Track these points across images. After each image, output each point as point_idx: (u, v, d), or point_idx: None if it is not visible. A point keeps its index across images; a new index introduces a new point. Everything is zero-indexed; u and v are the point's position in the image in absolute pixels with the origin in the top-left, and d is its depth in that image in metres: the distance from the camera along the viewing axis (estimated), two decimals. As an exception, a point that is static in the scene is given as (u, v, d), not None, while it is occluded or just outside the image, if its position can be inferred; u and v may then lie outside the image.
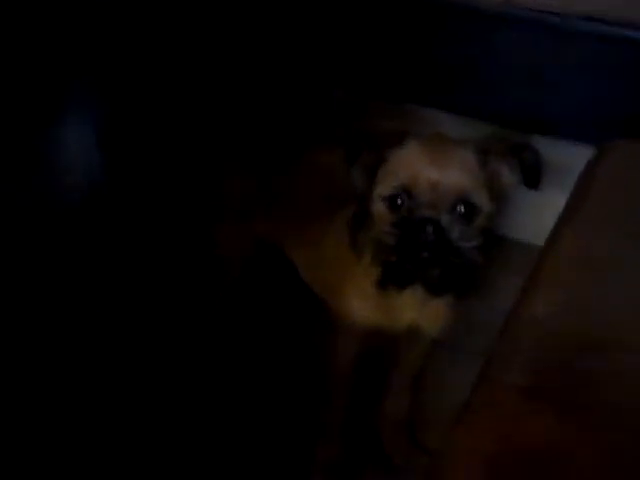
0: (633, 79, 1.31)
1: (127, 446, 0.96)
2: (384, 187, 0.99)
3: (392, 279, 1.01)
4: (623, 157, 1.04)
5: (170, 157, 1.05)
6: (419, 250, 0.96)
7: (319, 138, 1.28)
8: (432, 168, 0.96)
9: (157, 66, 1.01)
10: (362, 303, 1.11)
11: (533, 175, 1.00)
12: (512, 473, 0.64)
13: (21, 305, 0.89)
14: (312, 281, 1.28)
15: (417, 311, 1.11)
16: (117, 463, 0.95)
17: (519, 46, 1.37)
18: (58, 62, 0.87)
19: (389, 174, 1.00)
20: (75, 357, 0.94)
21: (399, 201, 0.98)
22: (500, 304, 0.98)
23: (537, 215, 1.32)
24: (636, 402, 0.69)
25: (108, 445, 0.95)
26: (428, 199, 0.96)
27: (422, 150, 0.98)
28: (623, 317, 0.79)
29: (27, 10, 0.84)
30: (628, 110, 1.30)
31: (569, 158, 1.23)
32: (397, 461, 1.25)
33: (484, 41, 1.37)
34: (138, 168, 0.98)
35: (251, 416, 1.19)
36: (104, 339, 0.97)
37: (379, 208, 1.00)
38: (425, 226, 0.95)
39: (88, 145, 0.90)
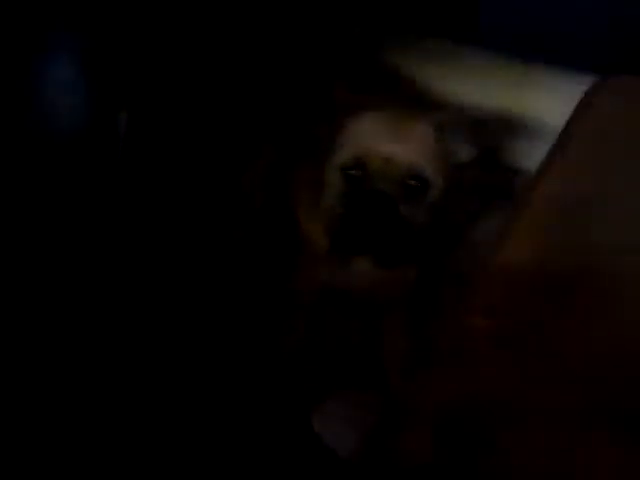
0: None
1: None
2: (338, 157, 1.00)
3: (341, 248, 1.01)
4: (619, 93, 0.97)
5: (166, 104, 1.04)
6: (367, 222, 0.96)
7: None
8: (386, 141, 0.96)
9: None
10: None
11: (489, 155, 1.02)
12: (466, 420, 0.64)
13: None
14: None
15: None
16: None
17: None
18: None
19: (345, 144, 1.00)
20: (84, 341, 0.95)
21: (353, 172, 0.98)
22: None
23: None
24: (603, 349, 0.68)
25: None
26: (380, 172, 0.96)
27: (378, 122, 0.99)
28: (600, 258, 0.77)
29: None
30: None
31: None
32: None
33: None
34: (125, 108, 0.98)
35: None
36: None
37: (333, 177, 1.00)
38: (375, 199, 0.95)
39: (71, 80, 0.91)
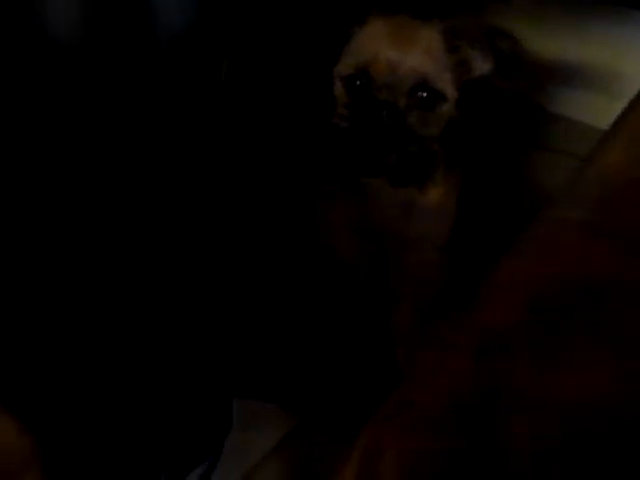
0: None
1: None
2: (343, 66, 0.93)
3: (348, 165, 0.94)
4: None
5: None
6: (372, 135, 0.89)
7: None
8: (392, 48, 0.90)
9: None
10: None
11: (508, 65, 0.92)
12: (556, 301, 0.60)
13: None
14: None
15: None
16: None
17: None
18: None
19: (350, 53, 0.93)
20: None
21: (357, 82, 0.91)
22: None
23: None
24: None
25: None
26: (386, 81, 0.89)
27: (384, 29, 0.92)
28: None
29: None
30: None
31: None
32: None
33: None
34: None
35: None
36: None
37: (338, 89, 0.94)
38: (381, 109, 0.88)
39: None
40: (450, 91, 0.92)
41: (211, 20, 0.90)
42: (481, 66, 0.93)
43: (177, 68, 0.88)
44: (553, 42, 1.17)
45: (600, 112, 1.15)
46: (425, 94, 0.90)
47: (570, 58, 1.19)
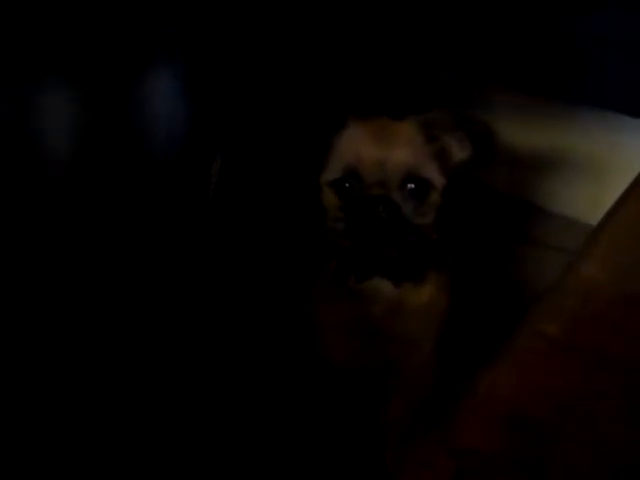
0: None
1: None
2: (330, 172, 0.95)
3: (349, 269, 0.94)
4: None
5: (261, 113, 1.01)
6: (371, 231, 0.90)
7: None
8: (377, 146, 0.91)
9: (245, 16, 0.99)
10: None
11: (484, 148, 0.94)
12: (531, 418, 0.61)
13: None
14: None
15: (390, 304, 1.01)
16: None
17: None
18: (145, 12, 0.86)
19: (334, 159, 0.95)
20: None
21: (347, 184, 0.93)
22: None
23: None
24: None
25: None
26: (376, 178, 0.90)
27: (365, 130, 0.93)
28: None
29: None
30: None
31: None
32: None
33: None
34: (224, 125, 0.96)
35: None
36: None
37: (327, 195, 0.95)
38: (375, 205, 0.89)
39: (173, 94, 0.89)
40: (437, 178, 0.93)
41: (199, 141, 0.93)
42: (459, 152, 0.95)
43: (166, 185, 0.90)
44: (535, 138, 1.20)
45: (584, 206, 1.18)
46: (414, 185, 0.91)
47: (554, 153, 1.22)
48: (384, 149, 0.91)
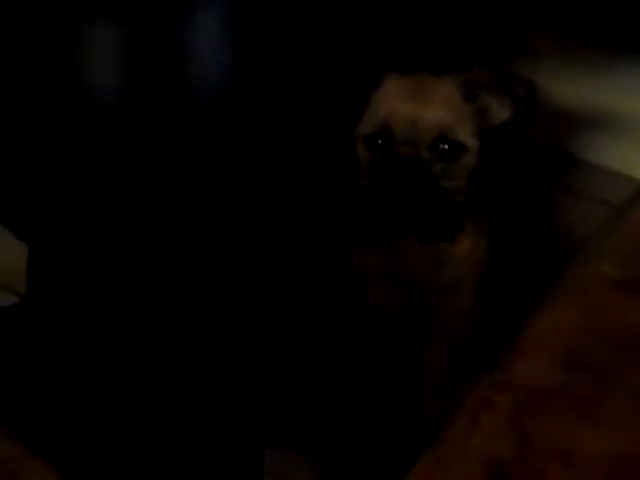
0: None
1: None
2: (364, 126, 0.93)
3: (375, 227, 0.95)
4: None
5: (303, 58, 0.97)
6: (396, 192, 0.89)
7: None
8: (410, 103, 0.90)
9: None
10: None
11: (526, 110, 0.92)
12: (592, 358, 0.60)
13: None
14: None
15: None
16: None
17: None
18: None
19: (369, 113, 0.93)
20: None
21: (379, 141, 0.91)
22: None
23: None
24: None
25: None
26: (407, 136, 0.89)
27: (401, 86, 0.92)
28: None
29: None
30: None
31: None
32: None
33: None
34: (269, 65, 0.92)
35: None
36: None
37: (360, 149, 0.94)
38: (404, 164, 0.88)
39: (219, 34, 0.88)
40: (471, 141, 0.91)
41: (246, 74, 0.91)
42: (500, 113, 0.93)
43: (211, 121, 0.89)
44: (578, 89, 1.17)
45: (627, 160, 1.16)
46: (447, 146, 0.90)
47: (596, 105, 1.20)
48: (417, 107, 0.89)
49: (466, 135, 0.91)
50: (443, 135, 0.89)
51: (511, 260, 1.09)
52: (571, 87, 1.18)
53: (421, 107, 0.89)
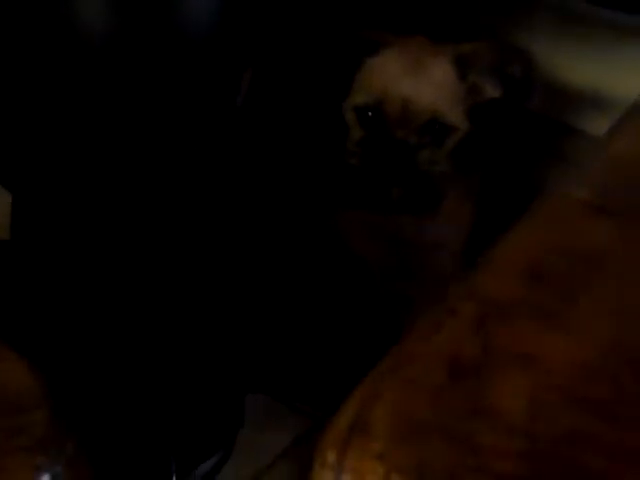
0: None
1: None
2: (356, 97, 0.94)
3: (358, 194, 0.96)
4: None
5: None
6: (382, 171, 0.91)
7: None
8: (406, 83, 0.91)
9: None
10: None
11: (520, 89, 0.93)
12: (557, 272, 0.61)
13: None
14: None
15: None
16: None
17: None
18: None
19: (362, 83, 0.94)
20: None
21: (369, 114, 0.92)
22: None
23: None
24: None
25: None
26: (399, 118, 0.90)
27: (398, 61, 0.92)
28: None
29: None
30: None
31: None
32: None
33: None
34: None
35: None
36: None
37: (350, 118, 0.95)
38: (393, 149, 0.90)
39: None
40: (461, 123, 0.93)
41: (235, 25, 0.90)
42: (491, 92, 0.94)
43: (199, 68, 0.88)
44: (575, 60, 1.18)
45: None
46: (436, 128, 0.91)
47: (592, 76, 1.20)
48: (412, 87, 0.90)
49: (457, 116, 0.92)
50: (435, 118, 0.91)
51: (500, 221, 1.10)
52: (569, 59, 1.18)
53: (417, 90, 0.90)
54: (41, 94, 0.87)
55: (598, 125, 1.23)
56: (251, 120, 0.96)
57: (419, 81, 0.91)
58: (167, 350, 0.88)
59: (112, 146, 0.87)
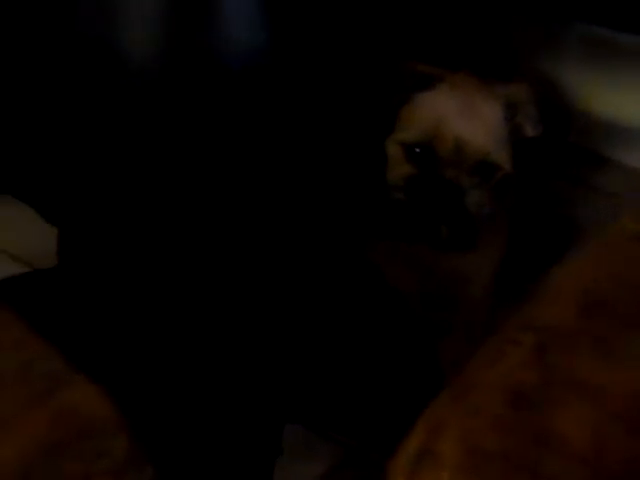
0: None
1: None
2: (405, 133, 0.94)
3: (398, 231, 0.96)
4: None
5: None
6: (432, 212, 0.91)
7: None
8: (459, 123, 0.90)
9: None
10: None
11: (560, 128, 0.95)
12: (612, 302, 0.61)
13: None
14: None
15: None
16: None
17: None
18: None
19: (412, 119, 0.93)
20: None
21: (417, 150, 0.92)
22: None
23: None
24: None
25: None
26: (451, 157, 0.90)
27: (450, 99, 0.92)
28: None
29: None
30: None
31: None
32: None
33: None
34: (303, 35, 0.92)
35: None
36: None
37: (396, 153, 0.95)
38: (444, 189, 0.90)
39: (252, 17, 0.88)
40: (507, 163, 0.93)
41: (279, 40, 0.90)
42: (531, 131, 0.95)
43: (242, 85, 0.88)
44: (608, 90, 1.18)
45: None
46: (484, 169, 0.91)
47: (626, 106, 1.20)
48: (466, 127, 0.90)
49: (504, 157, 0.92)
50: (485, 160, 0.91)
51: (530, 251, 1.11)
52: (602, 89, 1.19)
53: (470, 131, 0.90)
54: (86, 126, 0.89)
55: (634, 156, 1.25)
56: (292, 146, 0.96)
57: (472, 121, 0.90)
58: (216, 381, 0.88)
59: (159, 172, 0.88)
